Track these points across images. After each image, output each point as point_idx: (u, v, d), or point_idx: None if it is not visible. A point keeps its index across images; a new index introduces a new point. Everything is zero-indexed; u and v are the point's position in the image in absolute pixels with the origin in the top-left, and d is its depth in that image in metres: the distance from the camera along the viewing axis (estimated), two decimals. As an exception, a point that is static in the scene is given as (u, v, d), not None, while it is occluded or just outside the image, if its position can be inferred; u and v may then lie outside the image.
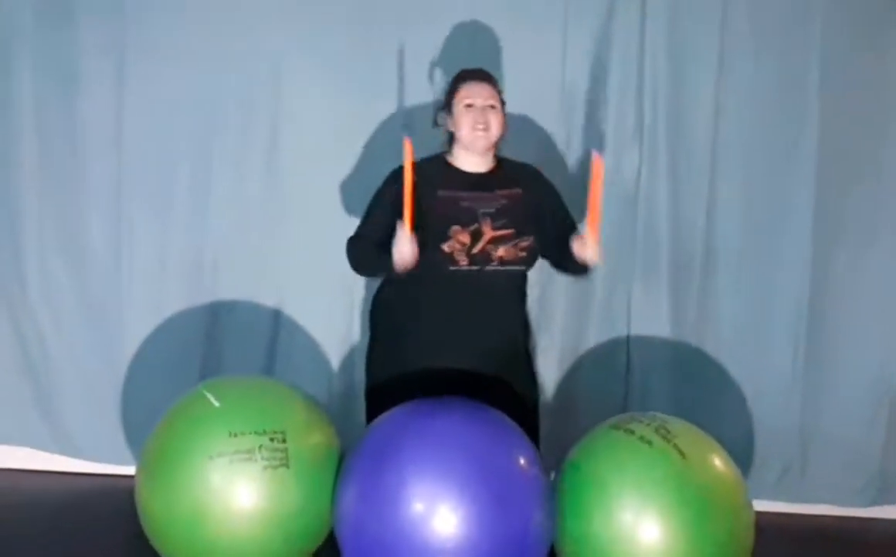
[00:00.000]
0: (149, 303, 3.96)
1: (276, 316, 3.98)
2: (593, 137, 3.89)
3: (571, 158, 3.90)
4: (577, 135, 3.90)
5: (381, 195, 3.21)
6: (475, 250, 3.08)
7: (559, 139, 3.89)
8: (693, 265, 3.95)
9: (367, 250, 3.17)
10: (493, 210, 3.11)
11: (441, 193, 3.12)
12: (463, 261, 3.07)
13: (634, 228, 3.93)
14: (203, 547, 2.88)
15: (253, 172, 3.93)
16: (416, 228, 3.00)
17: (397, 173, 3.13)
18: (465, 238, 3.07)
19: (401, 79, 3.84)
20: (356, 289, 3.92)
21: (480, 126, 3.11)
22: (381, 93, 3.86)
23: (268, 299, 3.98)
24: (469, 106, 3.13)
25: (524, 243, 3.12)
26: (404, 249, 2.97)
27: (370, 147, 3.87)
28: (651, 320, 3.96)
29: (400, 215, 3.01)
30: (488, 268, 3.09)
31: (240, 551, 2.88)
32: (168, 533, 2.95)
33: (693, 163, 3.91)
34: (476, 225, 3.08)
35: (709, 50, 3.87)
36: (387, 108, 3.84)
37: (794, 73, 3.88)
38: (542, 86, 3.81)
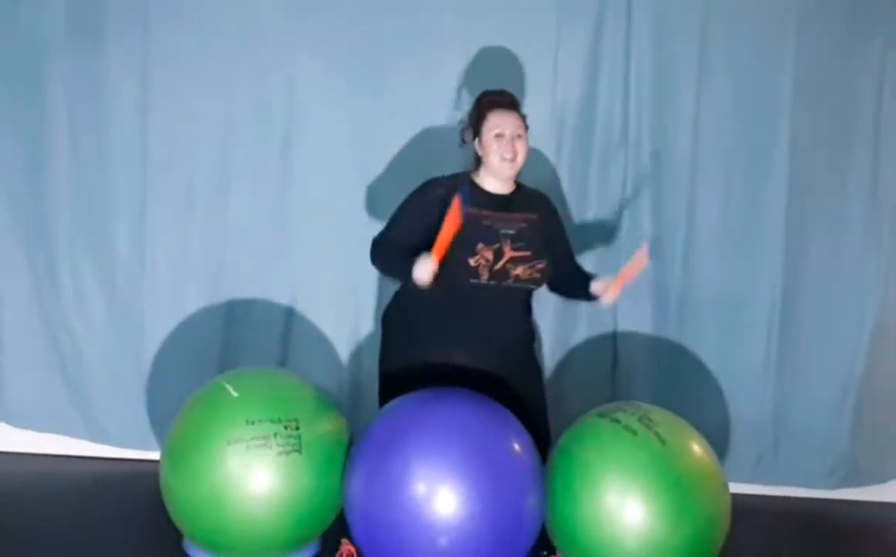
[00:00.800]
0: (171, 302, 4.03)
1: (290, 313, 4.05)
2: (582, 146, 3.99)
3: (561, 168, 4.00)
4: (567, 146, 3.99)
5: (410, 205, 3.26)
6: (497, 266, 3.14)
7: (550, 151, 3.97)
8: (674, 265, 4.02)
9: (392, 253, 3.21)
10: (513, 232, 3.18)
11: (468, 209, 3.11)
12: (485, 276, 3.13)
13: (619, 230, 4.01)
14: (222, 527, 2.99)
15: (268, 179, 3.99)
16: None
17: (429, 184, 3.25)
18: (490, 255, 3.13)
19: (407, 88, 3.92)
20: (365, 288, 4.00)
21: (509, 155, 3.17)
22: (392, 97, 3.93)
23: (281, 298, 4.05)
24: (499, 135, 3.18)
25: (540, 265, 3.19)
26: (426, 274, 3.02)
27: (383, 154, 3.96)
28: (635, 317, 4.04)
29: (428, 228, 3.10)
30: (505, 284, 3.16)
31: (256, 530, 2.99)
32: (190, 514, 3.05)
33: (674, 169, 3.99)
34: (499, 244, 3.14)
35: (689, 65, 3.93)
36: (397, 115, 3.92)
37: (768, 85, 3.95)
38: (533, 101, 3.80)
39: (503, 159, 3.19)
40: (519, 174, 3.29)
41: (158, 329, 4.05)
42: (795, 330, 4.05)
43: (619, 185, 4.02)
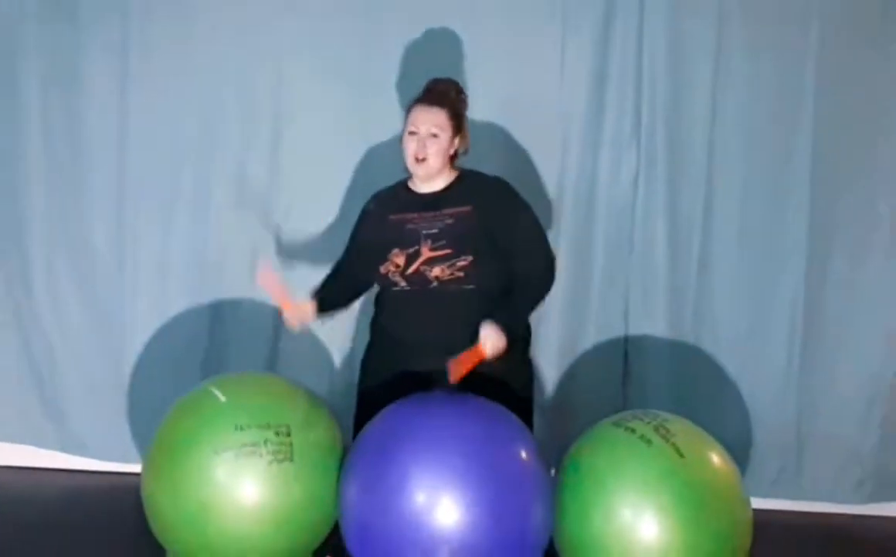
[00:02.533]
0: (152, 302, 3.99)
1: (278, 314, 3.82)
2: (591, 140, 3.93)
3: (570, 160, 3.93)
4: (575, 137, 3.93)
5: (354, 226, 3.38)
6: (410, 270, 3.08)
7: (557, 144, 3.92)
8: (690, 265, 3.97)
9: (327, 280, 3.37)
10: (435, 231, 3.09)
11: (391, 217, 3.15)
12: (401, 282, 3.09)
13: (632, 229, 3.96)
14: (209, 541, 2.90)
15: (255, 172, 3.97)
16: (370, 255, 3.17)
17: (367, 202, 3.34)
18: (401, 260, 3.08)
19: (401, 79, 3.86)
20: None
21: (420, 156, 3.10)
22: (382, 93, 3.87)
23: (270, 298, 3.90)
24: (412, 134, 3.12)
25: (462, 263, 3.06)
26: (289, 322, 3.23)
27: (371, 148, 3.90)
28: (649, 319, 3.98)
29: (356, 243, 3.29)
30: (430, 287, 3.07)
31: (245, 544, 2.90)
32: (174, 527, 2.96)
33: (690, 165, 3.94)
34: (416, 247, 3.08)
35: (705, 54, 3.89)
36: (387, 108, 3.83)
37: (790, 75, 3.90)
38: (538, 90, 3.85)
39: (414, 161, 3.12)
40: (452, 162, 3.18)
41: (139, 332, 4.02)
42: (819, 333, 3.99)
43: (632, 179, 3.96)
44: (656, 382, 3.99)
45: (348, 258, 3.35)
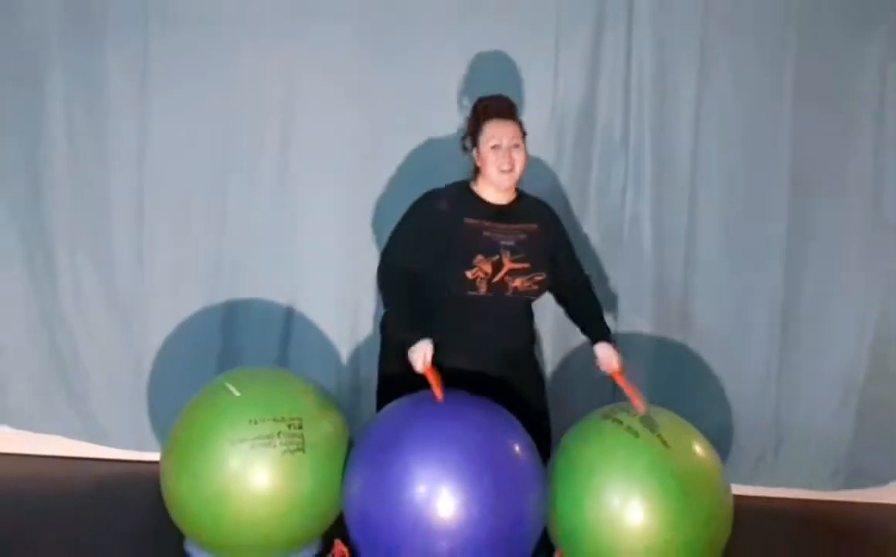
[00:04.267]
0: (170, 302, 4.04)
1: (289, 314, 4.06)
2: (582, 150, 3.98)
3: (563, 169, 3.99)
4: (567, 149, 3.98)
5: (413, 221, 3.21)
6: (495, 279, 3.11)
7: (550, 154, 3.96)
8: (676, 266, 4.01)
9: (399, 288, 3.18)
10: (512, 243, 3.14)
11: (468, 220, 3.14)
12: (483, 288, 3.09)
13: (621, 232, 4.00)
14: (225, 527, 2.98)
15: (267, 179, 4.00)
16: (449, 254, 3.10)
17: (429, 197, 3.21)
18: (488, 268, 3.09)
19: (406, 90, 3.92)
20: (364, 288, 3.97)
21: (506, 167, 3.11)
22: (389, 103, 3.93)
23: (281, 298, 4.05)
24: (496, 147, 3.12)
25: (538, 278, 3.16)
26: (418, 362, 3.03)
27: (382, 155, 3.96)
28: (637, 317, 4.03)
29: (433, 245, 3.11)
30: (503, 296, 3.13)
31: (260, 530, 2.98)
32: (193, 514, 3.04)
33: (675, 172, 3.97)
34: (498, 256, 3.10)
35: (690, 66, 3.92)
36: (396, 116, 3.91)
37: (770, 87, 3.93)
38: (533, 104, 3.86)
39: (501, 171, 3.13)
40: (518, 182, 3.25)
41: (157, 330, 4.07)
42: (797, 331, 4.04)
43: (621, 188, 4.01)
44: (644, 375, 3.93)
45: (414, 258, 3.17)
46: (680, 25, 3.92)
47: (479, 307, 3.15)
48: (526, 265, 3.15)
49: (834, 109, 3.97)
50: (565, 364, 4.10)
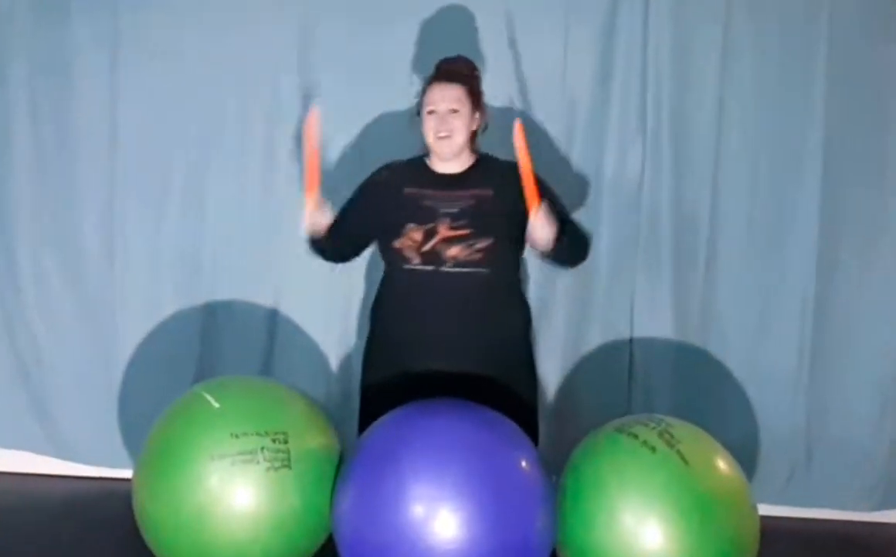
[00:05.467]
0: (144, 303, 3.98)
1: (273, 316, 3.99)
2: (596, 135, 3.90)
3: (574, 156, 3.91)
4: (579, 132, 3.90)
5: (356, 191, 3.30)
6: (426, 247, 3.08)
7: (562, 137, 3.89)
8: (697, 265, 3.94)
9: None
10: (455, 210, 3.10)
11: (407, 190, 3.15)
12: (415, 259, 3.09)
13: (637, 226, 3.92)
14: (204, 550, 2.87)
15: (250, 169, 3.94)
16: (380, 225, 3.16)
17: (379, 169, 3.27)
18: (418, 236, 3.09)
19: (400, 76, 3.81)
20: (355, 289, 3.94)
21: (442, 133, 3.11)
22: (385, 88, 3.84)
23: (265, 299, 3.99)
24: (431, 112, 3.13)
25: (481, 245, 3.08)
26: (308, 220, 3.11)
27: (367, 146, 3.86)
28: (654, 320, 3.95)
29: (363, 212, 3.20)
30: (444, 269, 3.08)
31: (241, 552, 2.87)
32: (168, 536, 2.93)
33: (696, 160, 3.91)
34: (433, 224, 3.08)
35: (712, 44, 3.86)
36: (391, 104, 3.81)
37: (799, 67, 3.87)
38: (544, 83, 3.83)
39: (437, 138, 3.12)
40: (475, 145, 3.22)
41: (130, 334, 4.00)
42: (829, 335, 3.95)
43: (637, 178, 3.92)
44: (662, 385, 3.96)
45: (347, 221, 3.24)
46: (701, 4, 3.86)
47: (423, 287, 3.11)
48: (466, 232, 3.08)
49: (869, 97, 3.88)
50: (575, 373, 4.01)
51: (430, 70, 3.26)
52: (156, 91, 3.91)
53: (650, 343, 3.95)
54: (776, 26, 3.86)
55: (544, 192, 3.14)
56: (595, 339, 3.98)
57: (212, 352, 3.99)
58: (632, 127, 3.90)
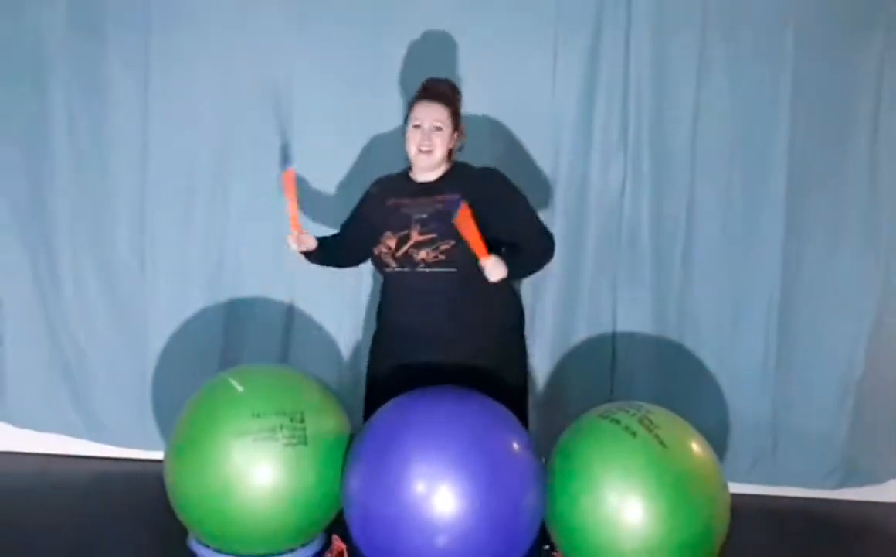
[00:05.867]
0: (172, 301, 4.05)
1: (290, 311, 4.08)
2: (581, 145, 3.99)
3: (561, 164, 4.00)
4: (566, 143, 3.98)
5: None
6: (399, 252, 3.19)
7: (548, 151, 3.98)
8: (673, 266, 4.02)
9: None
10: (425, 216, 3.19)
11: (389, 202, 3.26)
12: (392, 263, 3.21)
13: (619, 230, 4.00)
14: (229, 520, 2.99)
15: (267, 177, 3.98)
16: (368, 236, 3.30)
17: (371, 185, 3.42)
18: (392, 242, 3.20)
19: (406, 88, 3.89)
20: (364, 285, 4.04)
21: (425, 148, 3.20)
22: (386, 96, 3.94)
23: (282, 296, 4.07)
24: (416, 127, 3.21)
25: (444, 246, 3.15)
26: (292, 244, 3.34)
27: (375, 155, 3.96)
28: (635, 316, 4.05)
29: (355, 224, 3.38)
30: (418, 270, 3.18)
31: (262, 523, 2.99)
32: (197, 508, 3.05)
33: (674, 170, 3.99)
34: (406, 231, 3.18)
35: (688, 64, 3.94)
36: (395, 113, 3.89)
37: (767, 84, 3.94)
38: (532, 100, 3.91)
39: (419, 151, 3.21)
40: (451, 155, 3.29)
41: (160, 329, 4.08)
42: (794, 329, 4.06)
43: (619, 184, 4.02)
44: (641, 375, 4.05)
45: (346, 233, 3.45)
46: (679, 20, 3.93)
47: (403, 287, 3.24)
48: (431, 235, 3.17)
49: (831, 108, 3.98)
50: (563, 364, 4.12)
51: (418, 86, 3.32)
52: (183, 105, 3.96)
53: (631, 337, 4.05)
54: (748, 44, 3.93)
55: (513, 209, 3.25)
56: (581, 332, 4.08)
57: (234, 344, 4.07)
58: (614, 138, 3.98)
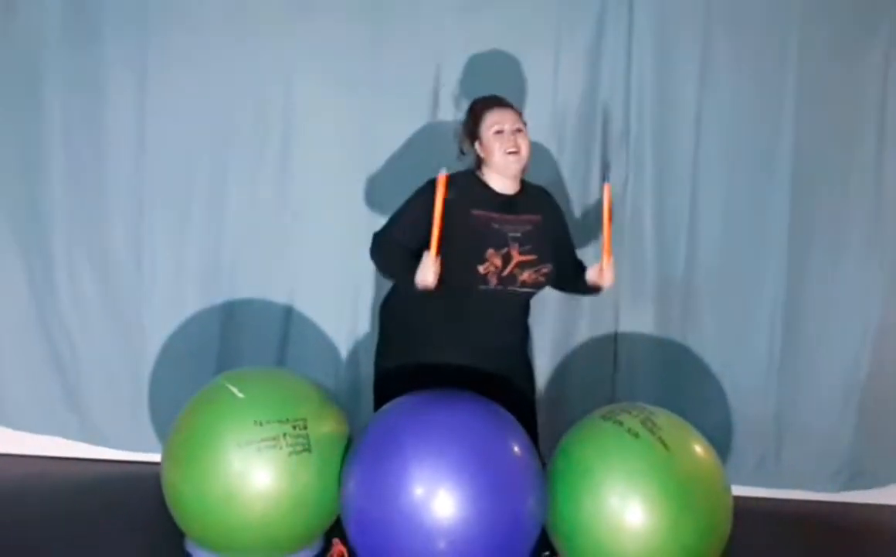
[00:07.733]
0: (168, 302, 4.03)
1: (288, 312, 4.06)
2: (583, 144, 3.98)
3: (563, 169, 3.99)
4: (568, 147, 3.98)
5: (413, 204, 3.19)
6: (505, 272, 3.12)
7: (551, 151, 3.97)
8: (676, 267, 4.02)
9: (394, 255, 3.19)
10: (519, 235, 3.15)
11: (475, 212, 3.15)
12: (493, 282, 3.11)
13: (622, 231, 3.96)
14: (232, 527, 2.98)
15: (265, 178, 4.00)
16: (443, 247, 3.04)
17: (432, 183, 3.10)
18: (498, 261, 3.10)
19: (406, 88, 3.93)
20: (363, 286, 4.02)
21: (512, 149, 3.14)
22: (390, 99, 3.93)
23: (280, 297, 4.06)
24: (499, 132, 3.15)
25: (545, 270, 3.18)
26: (428, 274, 3.01)
27: (381, 152, 3.96)
28: (637, 317, 4.04)
29: (430, 228, 3.04)
30: (510, 288, 3.15)
31: (266, 531, 2.99)
32: (198, 515, 3.04)
33: (676, 170, 3.98)
34: (506, 249, 3.12)
35: (691, 64, 3.93)
36: (395, 113, 3.92)
37: (771, 85, 3.94)
38: (535, 101, 3.87)
39: (507, 153, 3.15)
40: (525, 171, 3.27)
41: (157, 330, 4.06)
42: (798, 331, 4.04)
43: (621, 185, 4.00)
44: (644, 376, 4.04)
45: (410, 238, 3.15)
46: (681, 20, 3.93)
47: (484, 301, 3.16)
48: (533, 257, 3.17)
49: (836, 107, 3.97)
50: (565, 365, 4.11)
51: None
52: (180, 105, 3.95)
53: (634, 338, 4.05)
54: (751, 45, 3.93)
55: (568, 230, 3.38)
56: (583, 333, 4.08)
57: (231, 345, 4.05)
58: (616, 138, 3.98)
